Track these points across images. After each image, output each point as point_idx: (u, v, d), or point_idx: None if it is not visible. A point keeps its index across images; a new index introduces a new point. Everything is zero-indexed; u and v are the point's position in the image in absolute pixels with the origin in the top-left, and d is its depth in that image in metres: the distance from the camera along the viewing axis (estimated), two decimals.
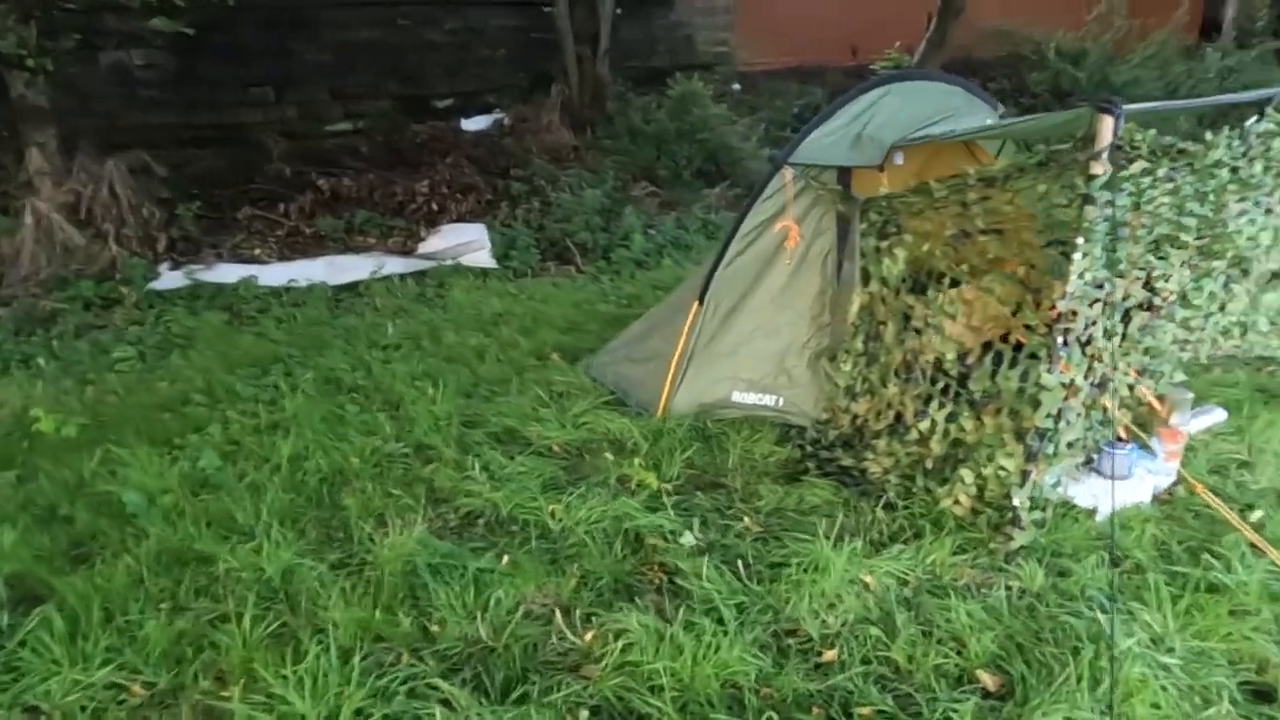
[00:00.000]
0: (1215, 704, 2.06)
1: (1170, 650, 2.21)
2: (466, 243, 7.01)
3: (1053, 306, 2.47)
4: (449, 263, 6.71)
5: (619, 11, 9.38)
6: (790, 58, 12.01)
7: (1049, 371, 2.46)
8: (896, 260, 3.13)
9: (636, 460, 3.30)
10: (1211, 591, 2.43)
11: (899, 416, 3.19)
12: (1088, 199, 2.34)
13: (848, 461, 3.25)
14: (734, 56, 11.96)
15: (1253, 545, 2.64)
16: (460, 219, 7.58)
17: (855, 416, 3.41)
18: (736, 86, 11.03)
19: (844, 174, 3.61)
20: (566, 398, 3.97)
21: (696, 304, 3.70)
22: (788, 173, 3.60)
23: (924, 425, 3.02)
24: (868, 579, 2.53)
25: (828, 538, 2.68)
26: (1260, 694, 2.14)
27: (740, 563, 2.66)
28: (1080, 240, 2.36)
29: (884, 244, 3.19)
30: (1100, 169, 2.32)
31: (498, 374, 4.36)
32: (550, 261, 6.83)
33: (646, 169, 8.62)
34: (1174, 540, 2.70)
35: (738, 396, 3.69)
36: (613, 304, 5.61)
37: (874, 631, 2.33)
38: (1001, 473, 2.63)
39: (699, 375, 3.71)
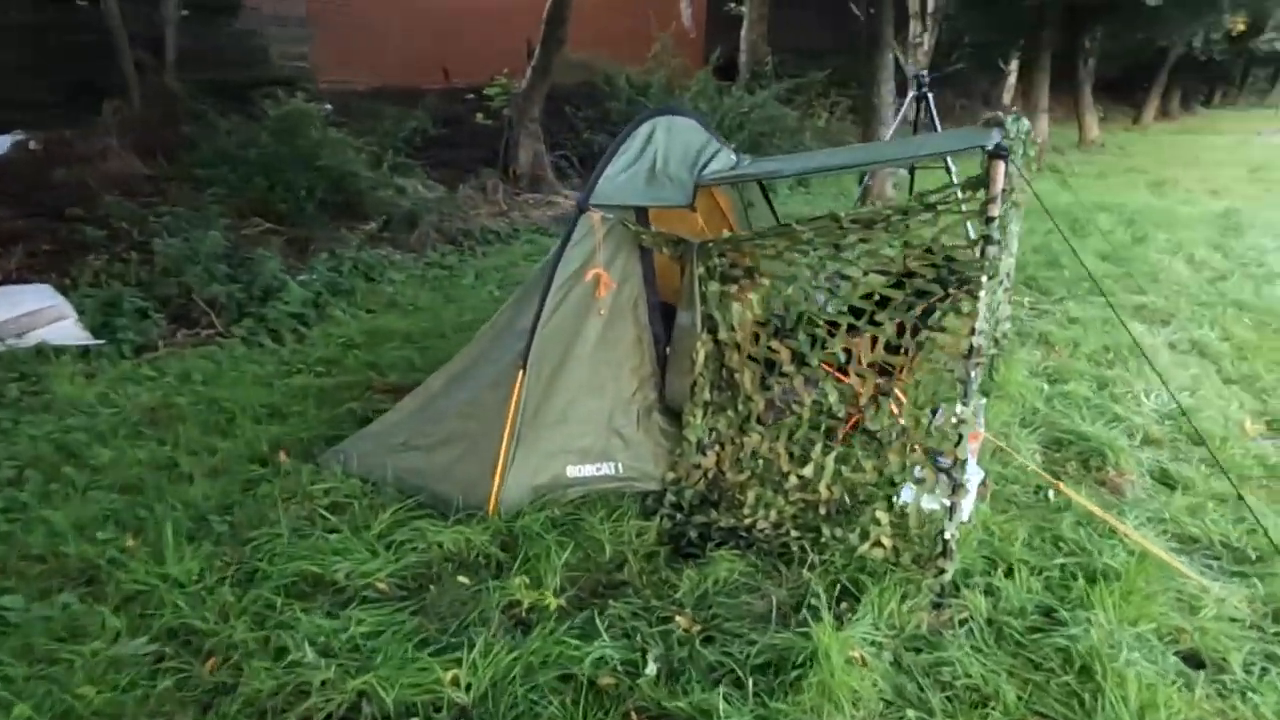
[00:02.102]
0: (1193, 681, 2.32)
1: (1127, 644, 2.42)
2: (34, 312, 5.14)
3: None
4: (18, 343, 4.85)
5: (184, 14, 7.76)
6: (377, 78, 11.25)
7: (965, 404, 2.54)
8: (750, 305, 2.99)
9: (515, 579, 2.66)
10: (1109, 578, 2.72)
11: (766, 465, 3.06)
12: (989, 240, 2.46)
13: (727, 522, 3.02)
14: (313, 73, 10.81)
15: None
16: (10, 280, 5.57)
17: (706, 471, 3.20)
18: (328, 107, 9.95)
19: (641, 215, 3.36)
20: (348, 513, 3.07)
21: (521, 370, 3.12)
22: (596, 216, 3.23)
23: (807, 470, 2.94)
24: (856, 654, 2.34)
25: (787, 621, 2.43)
26: (1192, 660, 2.46)
27: (733, 682, 2.27)
28: (984, 279, 2.47)
29: (731, 288, 3.03)
30: (997, 211, 2.45)
31: (216, 496, 3.22)
32: (177, 327, 5.33)
33: (257, 202, 7.28)
34: (1038, 536, 3.00)
35: (573, 471, 3.21)
36: (309, 375, 4.56)
37: (911, 716, 2.16)
38: (927, 508, 2.66)
39: (529, 454, 3.14)
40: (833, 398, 2.87)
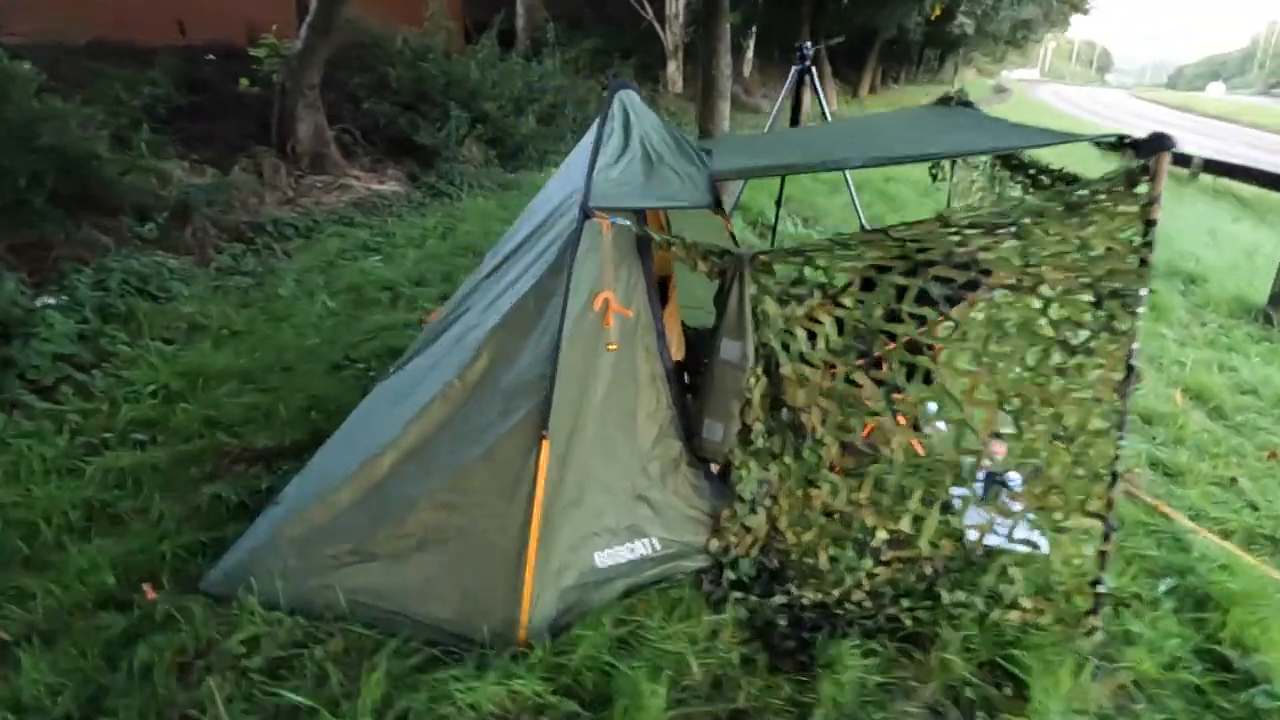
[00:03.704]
0: None
1: None
2: None
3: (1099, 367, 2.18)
4: None
5: None
6: (84, 31, 8.97)
7: (1121, 440, 2.18)
8: (825, 331, 2.40)
9: None
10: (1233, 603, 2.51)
11: (843, 521, 2.52)
12: (1149, 245, 2.09)
13: (812, 597, 2.45)
14: None
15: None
16: None
17: (757, 533, 2.60)
18: (27, 65, 7.75)
19: (639, 219, 2.65)
20: (305, 675, 2.09)
21: (543, 439, 2.29)
22: (605, 222, 2.46)
23: (903, 524, 2.44)
24: None
25: None
26: None
27: None
28: (1144, 293, 2.10)
29: (798, 311, 2.42)
30: (1159, 213, 2.08)
31: (64, 683, 2.07)
32: None
33: None
34: (1118, 557, 2.75)
35: (603, 559, 2.45)
36: (128, 448, 3.27)
37: None
38: (1076, 560, 2.27)
39: (549, 549, 2.33)
40: (939, 437, 2.38)
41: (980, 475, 2.70)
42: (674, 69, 18.41)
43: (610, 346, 2.49)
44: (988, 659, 2.24)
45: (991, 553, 2.43)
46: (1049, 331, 2.22)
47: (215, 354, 4.19)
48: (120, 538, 2.68)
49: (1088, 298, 2.16)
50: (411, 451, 2.47)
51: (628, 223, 2.48)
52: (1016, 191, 3.17)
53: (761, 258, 2.42)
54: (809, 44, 5.33)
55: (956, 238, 2.23)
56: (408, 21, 11.42)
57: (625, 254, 2.56)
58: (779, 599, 2.45)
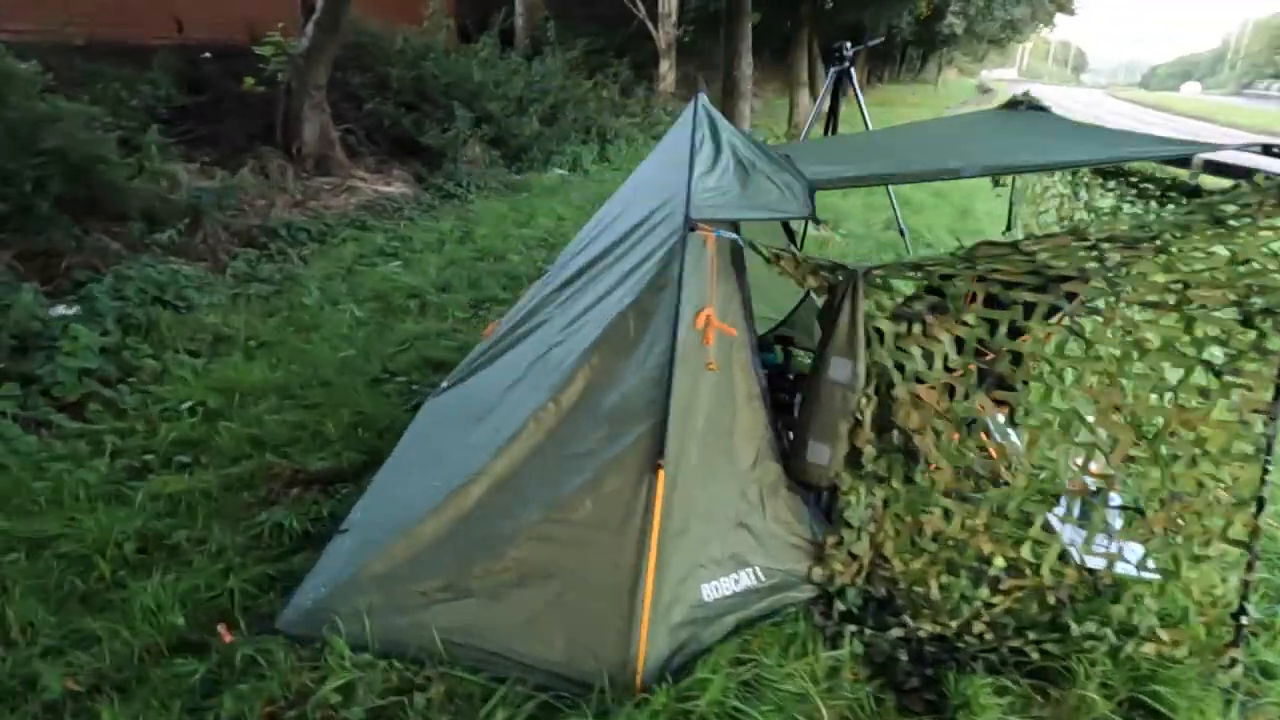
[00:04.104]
0: None
1: None
2: None
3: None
4: None
5: None
6: (76, 29, 8.68)
7: (1268, 464, 2.07)
8: (943, 349, 2.28)
9: None
10: None
11: (958, 548, 2.40)
12: None
13: (928, 629, 2.33)
14: None
15: None
16: None
17: (861, 561, 2.47)
18: (29, 65, 7.50)
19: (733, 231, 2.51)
20: None
21: (659, 469, 2.14)
22: (710, 235, 2.32)
23: (1024, 551, 2.32)
24: None
25: None
26: None
27: None
28: None
29: (914, 328, 2.29)
30: None
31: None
32: None
33: None
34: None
35: (709, 592, 2.31)
36: (172, 471, 3.09)
37: None
38: (1217, 590, 2.16)
39: (661, 585, 2.18)
40: (1064, 461, 2.26)
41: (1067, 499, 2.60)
42: (666, 67, 18.24)
43: (711, 366, 2.35)
44: (1126, 695, 2.12)
45: (1118, 581, 2.32)
46: (1191, 351, 2.11)
47: (248, 367, 4.00)
48: (182, 572, 2.50)
49: (1233, 315, 2.05)
50: (503, 481, 2.31)
51: (734, 235, 2.34)
52: (1109, 201, 3.07)
53: (876, 273, 2.29)
54: (849, 44, 5.21)
55: (1093, 252, 2.11)
56: (405, 20, 11.21)
57: (724, 268, 2.43)
58: (895, 632, 2.33)
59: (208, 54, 9.12)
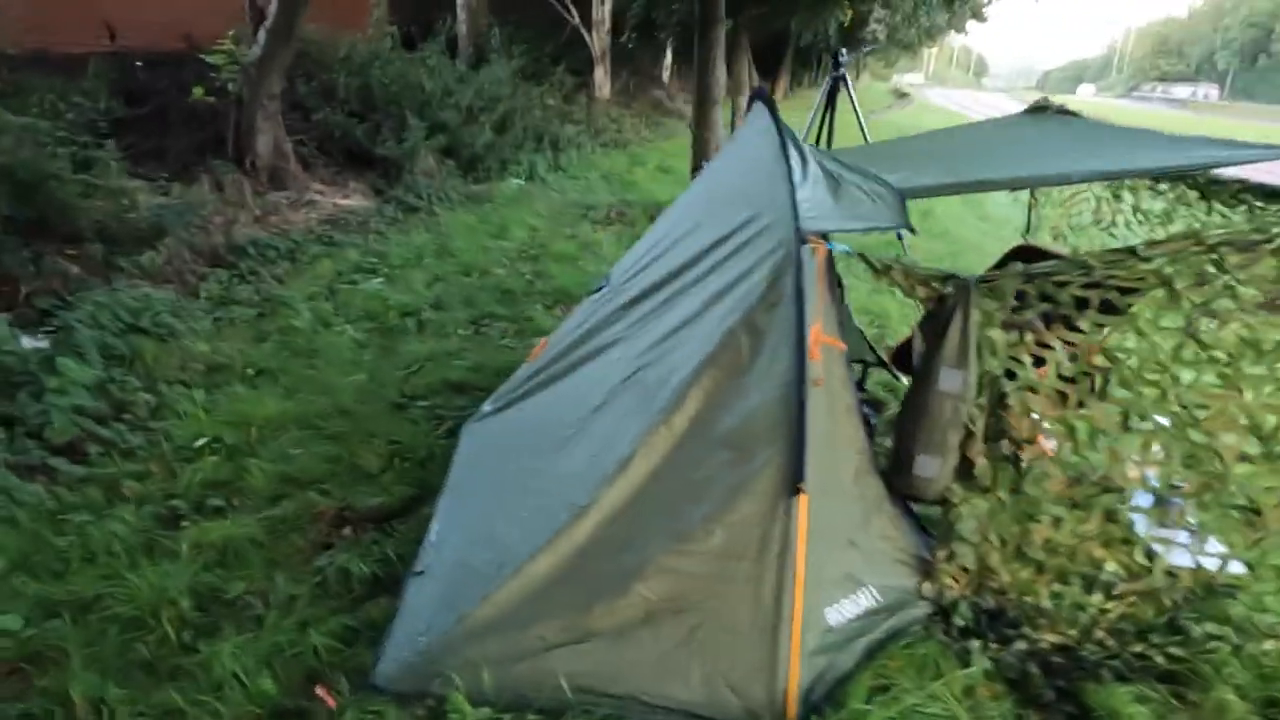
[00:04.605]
0: None
1: None
2: None
3: None
4: None
5: None
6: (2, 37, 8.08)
7: None
8: (1056, 358, 2.26)
9: None
10: None
11: (1069, 555, 2.39)
12: None
13: (1051, 640, 2.31)
14: None
15: None
16: None
17: (967, 571, 2.44)
18: None
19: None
20: None
21: (799, 494, 2.06)
22: (821, 248, 2.25)
23: (1136, 556, 2.32)
24: None
25: None
26: None
27: None
28: None
29: (1026, 337, 2.26)
30: None
31: None
32: None
33: None
34: None
35: (834, 616, 2.23)
36: (207, 515, 2.84)
37: None
38: None
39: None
40: (1177, 462, 2.27)
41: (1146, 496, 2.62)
42: (602, 75, 18.15)
43: (817, 382, 2.28)
44: (1261, 696, 2.14)
45: (1230, 581, 2.35)
46: None
47: (257, 398, 3.73)
48: (254, 630, 2.28)
49: None
50: (617, 512, 2.19)
51: (846, 248, 2.28)
52: (1160, 204, 3.14)
53: (988, 283, 2.26)
54: (845, 50, 5.24)
55: (1211, 256, 2.12)
56: (347, 27, 10.82)
57: (830, 281, 2.36)
58: (1020, 645, 2.30)
59: (139, 63, 8.59)
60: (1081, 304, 2.25)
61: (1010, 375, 2.31)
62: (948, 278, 2.28)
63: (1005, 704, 2.13)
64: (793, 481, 2.06)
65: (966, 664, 2.22)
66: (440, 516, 2.73)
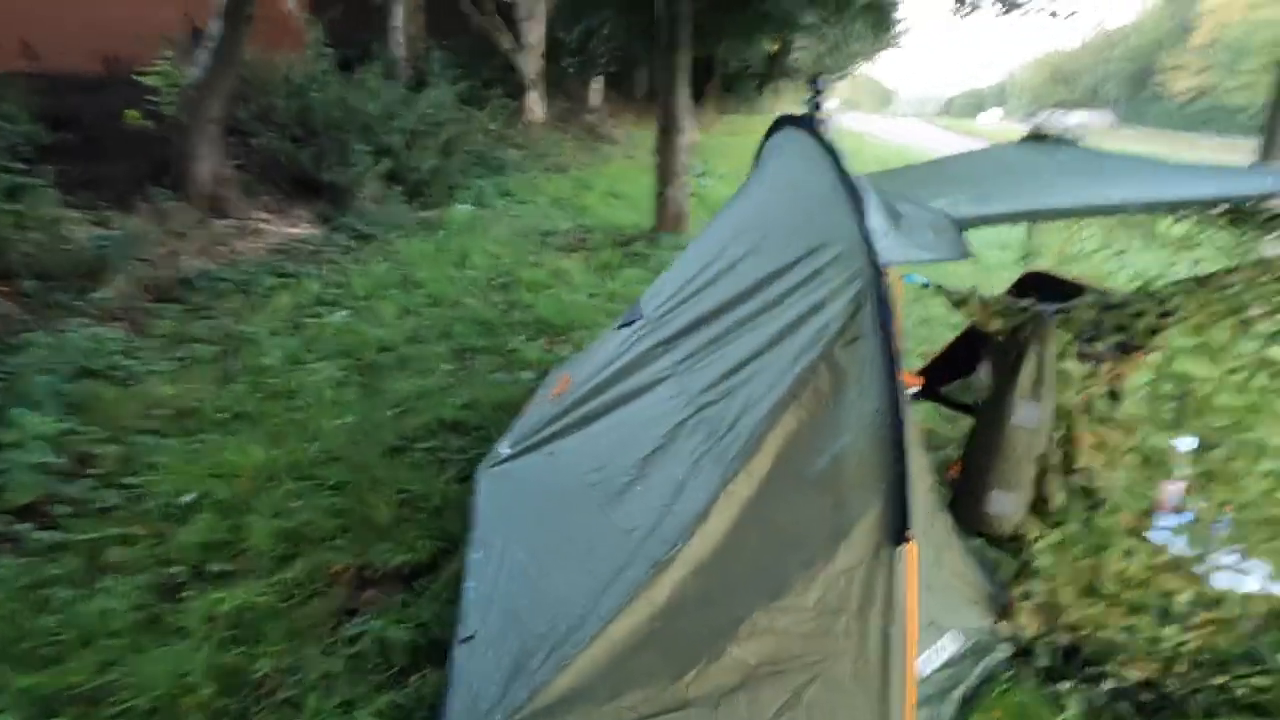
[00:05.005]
0: None
1: None
2: None
3: None
4: None
5: None
6: None
7: None
8: (1127, 390, 2.23)
9: None
10: None
11: (1141, 586, 2.35)
12: None
13: (1133, 675, 2.25)
14: None
15: None
16: None
17: (1041, 608, 2.37)
18: None
19: None
20: None
21: (911, 543, 1.94)
22: (898, 280, 2.18)
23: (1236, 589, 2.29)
24: None
25: None
26: None
27: None
28: None
29: (1101, 368, 2.22)
30: None
31: None
32: None
33: None
34: None
35: (923, 666, 2.12)
36: (212, 584, 2.55)
37: None
38: None
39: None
40: (1255, 487, 2.27)
41: (1170, 518, 2.63)
42: (534, 98, 18.01)
43: None
44: None
45: None
46: None
47: (237, 445, 3.43)
48: (291, 715, 2.04)
49: None
50: (700, 567, 2.03)
51: (924, 279, 2.21)
52: (1180, 228, 3.18)
53: (1064, 315, 2.22)
54: (823, 76, 5.24)
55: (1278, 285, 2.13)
56: (282, 48, 10.42)
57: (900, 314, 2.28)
58: (1108, 684, 2.24)
59: (55, 84, 8.04)
60: (1152, 332, 2.23)
61: (1085, 408, 2.26)
62: (1023, 310, 2.23)
63: None
64: (898, 529, 1.94)
65: (1061, 708, 2.14)
66: (474, 573, 2.52)
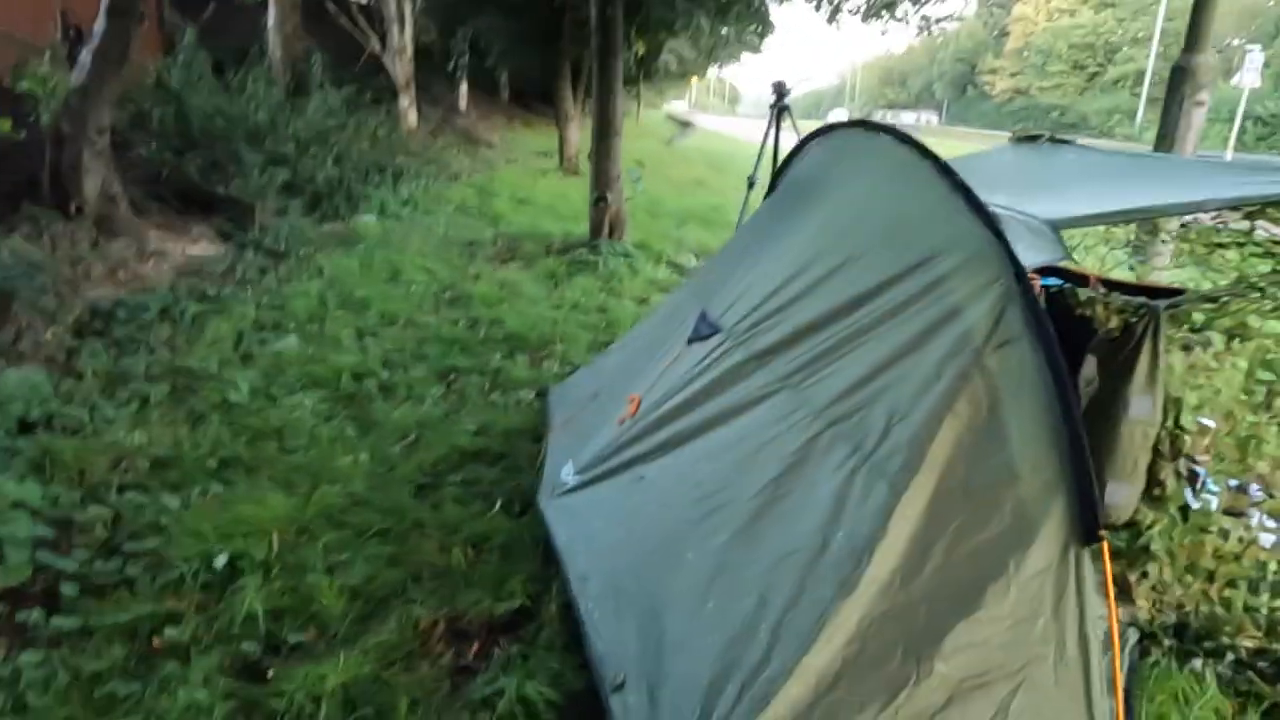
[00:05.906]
0: None
1: None
2: None
3: None
4: None
5: None
6: None
7: None
8: (1230, 377, 2.35)
9: None
10: None
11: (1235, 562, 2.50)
12: None
13: (1246, 644, 2.39)
14: None
15: None
16: None
17: (1155, 590, 2.49)
18: None
19: None
20: None
21: (1104, 540, 1.95)
22: (1038, 285, 2.20)
23: None
24: None
25: None
26: None
27: None
28: None
29: (1203, 357, 2.33)
30: None
31: None
32: None
33: None
34: None
35: None
36: (292, 663, 2.25)
37: None
38: None
39: None
40: None
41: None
42: (406, 104, 17.33)
43: None
44: None
45: None
46: None
47: (248, 497, 3.07)
48: None
49: None
50: (885, 587, 1.98)
51: (1059, 281, 2.24)
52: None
53: (1183, 306, 2.32)
54: (787, 81, 5.31)
55: None
56: (149, 52, 9.51)
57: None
58: (1230, 656, 2.36)
59: None
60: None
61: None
62: (1139, 306, 2.32)
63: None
64: (1089, 528, 1.96)
65: (1203, 684, 2.24)
66: (586, 611, 2.36)
